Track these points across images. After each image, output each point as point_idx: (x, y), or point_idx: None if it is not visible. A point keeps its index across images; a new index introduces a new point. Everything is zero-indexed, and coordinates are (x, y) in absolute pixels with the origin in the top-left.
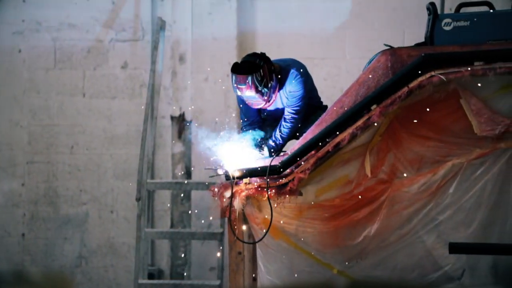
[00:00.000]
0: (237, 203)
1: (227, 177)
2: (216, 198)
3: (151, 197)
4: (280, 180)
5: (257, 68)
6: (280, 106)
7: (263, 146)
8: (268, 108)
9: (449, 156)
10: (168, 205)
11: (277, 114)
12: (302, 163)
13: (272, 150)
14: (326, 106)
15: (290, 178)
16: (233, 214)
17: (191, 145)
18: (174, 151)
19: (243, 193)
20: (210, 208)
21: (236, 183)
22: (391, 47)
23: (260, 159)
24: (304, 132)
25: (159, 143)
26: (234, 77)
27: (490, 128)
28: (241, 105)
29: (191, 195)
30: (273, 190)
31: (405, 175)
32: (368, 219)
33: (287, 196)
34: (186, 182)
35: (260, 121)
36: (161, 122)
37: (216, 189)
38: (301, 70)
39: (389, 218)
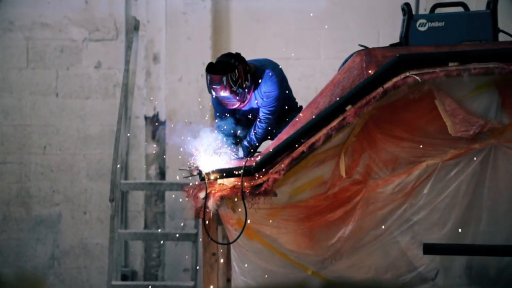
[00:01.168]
0: (211, 204)
1: (201, 177)
2: (190, 199)
3: (125, 198)
4: (255, 181)
5: (232, 68)
6: (255, 107)
7: (237, 146)
8: (243, 109)
9: (423, 156)
10: (142, 206)
11: (252, 115)
12: (277, 164)
13: (246, 150)
14: (301, 107)
15: (264, 178)
16: (207, 215)
17: (165, 145)
18: (148, 152)
19: (218, 194)
20: (184, 209)
21: (211, 184)
22: (366, 48)
23: (235, 159)
24: (279, 132)
25: (133, 143)
26: (208, 77)
27: (465, 128)
28: (215, 106)
29: (165, 196)
30: (248, 191)
31: (379, 175)
32: (343, 219)
33: (262, 197)
34: (160, 182)
35: (234, 121)
36: (135, 122)
37: (190, 190)
38: (276, 71)
39: (363, 219)
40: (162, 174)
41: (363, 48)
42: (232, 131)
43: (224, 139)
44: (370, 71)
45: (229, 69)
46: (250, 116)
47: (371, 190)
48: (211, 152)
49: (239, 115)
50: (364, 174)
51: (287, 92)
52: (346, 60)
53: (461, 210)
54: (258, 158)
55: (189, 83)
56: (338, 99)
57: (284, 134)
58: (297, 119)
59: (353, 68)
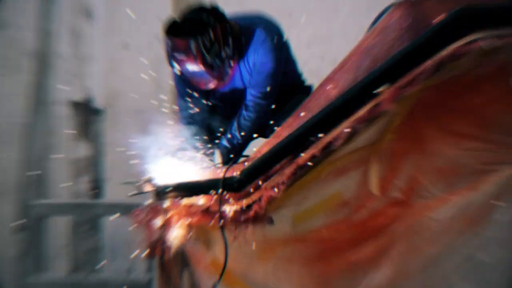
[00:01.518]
0: (173, 236)
1: (158, 195)
2: (141, 228)
3: (41, 226)
4: (240, 201)
5: (205, 29)
6: (240, 86)
7: (213, 147)
8: (221, 90)
9: (500, 163)
10: (68, 238)
11: (235, 99)
12: (274, 174)
13: (226, 153)
14: (310, 87)
15: (255, 197)
16: (166, 252)
17: (102, 146)
18: (76, 156)
19: (183, 221)
20: (132, 243)
21: (172, 206)
22: None
23: (209, 168)
24: (278, 126)
25: (53, 143)
26: (169, 42)
27: None
28: (178, 86)
29: (102, 223)
30: (230, 216)
31: (431, 193)
32: (374, 260)
33: (251, 225)
34: (94, 203)
35: (207, 110)
36: (55, 112)
37: (141, 215)
38: (272, 32)
39: (405, 258)
40: (98, 189)
41: None
42: (204, 125)
43: (192, 137)
44: (416, 33)
45: (201, 30)
46: (232, 101)
47: (417, 215)
48: (172, 157)
49: (215, 100)
50: (407, 191)
51: (289, 64)
52: (379, 17)
53: None
54: (245, 166)
55: (139, 51)
56: (367, 75)
57: (285, 130)
58: (304, 106)
59: (389, 28)
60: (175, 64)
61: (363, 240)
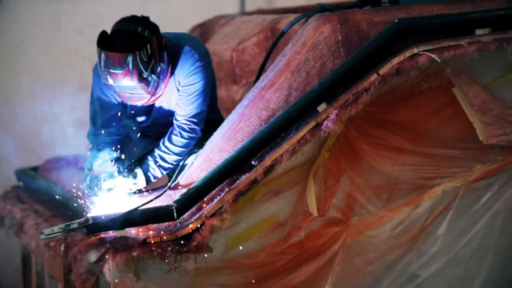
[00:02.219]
0: (110, 271)
1: (90, 229)
2: (60, 260)
3: None
4: (180, 230)
5: (143, 42)
6: (168, 104)
7: (135, 168)
8: (145, 104)
9: (437, 177)
10: None
11: (164, 118)
12: (212, 200)
13: (151, 176)
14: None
15: (194, 226)
16: (87, 283)
17: None
18: None
19: (121, 255)
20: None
21: (105, 239)
22: (331, 9)
23: (135, 194)
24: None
25: None
26: (104, 56)
27: (502, 132)
28: (97, 97)
29: None
30: (169, 247)
31: (368, 210)
32: (313, 283)
33: (193, 255)
34: None
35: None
36: None
37: (60, 246)
38: (199, 49)
39: (346, 278)
40: None
41: (325, 7)
42: (119, 142)
43: (108, 155)
44: (351, 48)
45: (138, 44)
46: (160, 121)
47: (356, 234)
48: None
49: (144, 117)
50: (345, 209)
51: (214, 87)
52: (281, 35)
53: (497, 258)
54: (181, 192)
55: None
56: (308, 93)
57: (217, 153)
58: (234, 128)
59: (321, 43)
60: (110, 80)
61: (302, 262)
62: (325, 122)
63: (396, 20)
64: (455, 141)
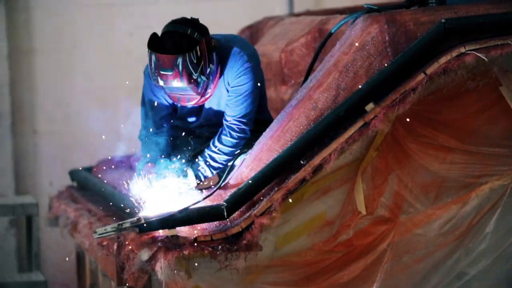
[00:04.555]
0: (162, 270)
1: (141, 228)
2: (112, 257)
3: None
4: (230, 229)
5: (192, 44)
6: (218, 105)
7: (186, 168)
8: (194, 105)
9: (484, 176)
10: None
11: (211, 116)
12: (261, 200)
13: (201, 176)
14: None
15: (244, 225)
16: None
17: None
18: None
19: (172, 253)
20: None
21: (155, 238)
22: (378, 10)
23: (183, 192)
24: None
25: None
26: (155, 58)
27: None
28: (148, 98)
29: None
30: (220, 246)
31: (416, 208)
32: (362, 280)
33: (243, 253)
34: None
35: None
36: None
37: (113, 245)
38: (248, 50)
39: (394, 276)
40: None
41: (372, 8)
42: (169, 141)
43: (159, 156)
44: (398, 48)
45: (188, 46)
46: (210, 122)
47: (404, 232)
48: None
49: (195, 118)
50: (393, 208)
51: (263, 87)
52: (329, 35)
53: None
54: (231, 191)
55: None
56: (355, 92)
57: (265, 152)
58: (282, 127)
59: (369, 43)
60: (160, 81)
61: (350, 260)
62: (373, 122)
63: (443, 20)
64: (502, 139)
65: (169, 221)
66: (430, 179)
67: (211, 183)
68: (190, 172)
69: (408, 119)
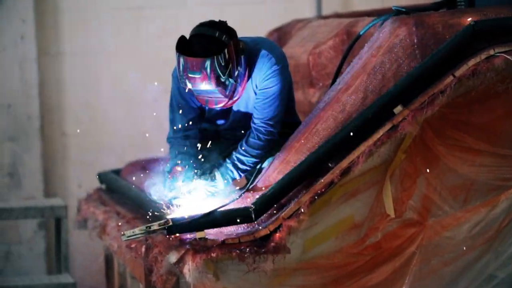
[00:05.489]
0: (190, 272)
1: (171, 230)
2: (140, 261)
3: None
4: (258, 232)
5: (221, 47)
6: (246, 108)
7: (214, 171)
8: (222, 108)
9: None
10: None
11: (239, 119)
12: (289, 202)
13: (229, 178)
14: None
15: (272, 227)
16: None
17: None
18: None
19: (200, 256)
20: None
21: (183, 240)
22: (407, 11)
23: (210, 195)
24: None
25: None
26: (183, 61)
27: None
28: (176, 102)
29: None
30: (247, 249)
31: (445, 211)
32: (390, 283)
33: (270, 256)
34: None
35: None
36: None
37: (141, 248)
38: (276, 53)
39: (423, 280)
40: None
41: (400, 10)
42: (197, 143)
43: (188, 158)
44: (426, 50)
45: (216, 49)
46: (236, 124)
47: (433, 235)
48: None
49: (223, 121)
50: (422, 211)
51: (291, 90)
52: (366, 29)
53: None
54: (259, 194)
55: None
56: (383, 96)
57: (293, 154)
58: (309, 130)
59: (397, 45)
60: (189, 84)
61: (378, 264)
62: (401, 124)
63: (472, 22)
64: None
65: (197, 223)
66: (459, 182)
67: (237, 187)
68: (218, 175)
69: (436, 122)
